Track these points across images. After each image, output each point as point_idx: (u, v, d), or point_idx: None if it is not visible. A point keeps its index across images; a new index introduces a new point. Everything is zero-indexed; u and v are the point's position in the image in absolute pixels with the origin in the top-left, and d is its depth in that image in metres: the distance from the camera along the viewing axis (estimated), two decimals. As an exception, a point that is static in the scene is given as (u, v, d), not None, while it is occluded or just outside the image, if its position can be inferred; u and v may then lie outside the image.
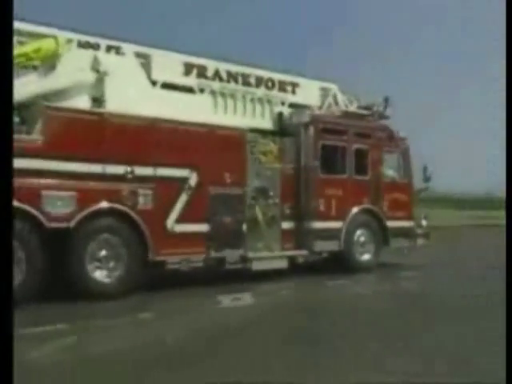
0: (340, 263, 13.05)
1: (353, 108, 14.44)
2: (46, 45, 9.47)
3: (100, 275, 9.35)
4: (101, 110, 9.67)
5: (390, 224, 13.69)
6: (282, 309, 9.09)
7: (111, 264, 9.46)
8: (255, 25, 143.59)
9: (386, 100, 14.66)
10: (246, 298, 9.78)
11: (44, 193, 8.73)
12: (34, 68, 9.62)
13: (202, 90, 11.76)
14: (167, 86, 11.17)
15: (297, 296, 10.80)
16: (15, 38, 9.34)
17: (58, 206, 8.85)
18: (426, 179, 15.08)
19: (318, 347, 6.47)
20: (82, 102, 9.82)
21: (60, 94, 9.64)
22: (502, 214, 8.40)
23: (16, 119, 8.88)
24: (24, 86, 9.25)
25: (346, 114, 13.78)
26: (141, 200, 9.71)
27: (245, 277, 11.19)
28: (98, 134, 9.35)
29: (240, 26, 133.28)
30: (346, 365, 5.76)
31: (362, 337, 6.96)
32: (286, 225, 12.10)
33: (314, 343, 6.67)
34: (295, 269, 12.36)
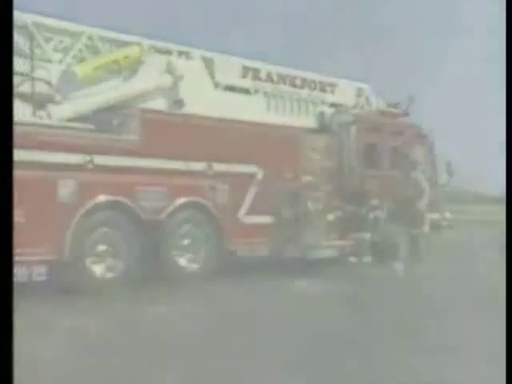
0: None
1: (382, 107, 15.42)
2: (133, 52, 10.28)
3: (185, 262, 10.28)
4: (185, 112, 10.51)
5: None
6: (357, 293, 10.01)
7: (193, 252, 10.37)
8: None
9: (411, 99, 15.70)
10: (318, 284, 10.57)
11: (141, 188, 9.60)
12: (118, 73, 10.37)
13: (256, 92, 12.65)
14: (228, 88, 12.03)
15: (361, 282, 11.37)
16: (103, 47, 10.20)
17: (152, 199, 9.72)
18: (450, 174, 16.16)
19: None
20: (160, 105, 10.64)
21: (140, 96, 10.46)
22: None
23: (114, 121, 9.70)
24: (113, 90, 10.09)
25: (381, 113, 14.78)
26: (218, 194, 10.62)
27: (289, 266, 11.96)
28: (183, 133, 10.24)
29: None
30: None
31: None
32: (333, 217, 13.07)
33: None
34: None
